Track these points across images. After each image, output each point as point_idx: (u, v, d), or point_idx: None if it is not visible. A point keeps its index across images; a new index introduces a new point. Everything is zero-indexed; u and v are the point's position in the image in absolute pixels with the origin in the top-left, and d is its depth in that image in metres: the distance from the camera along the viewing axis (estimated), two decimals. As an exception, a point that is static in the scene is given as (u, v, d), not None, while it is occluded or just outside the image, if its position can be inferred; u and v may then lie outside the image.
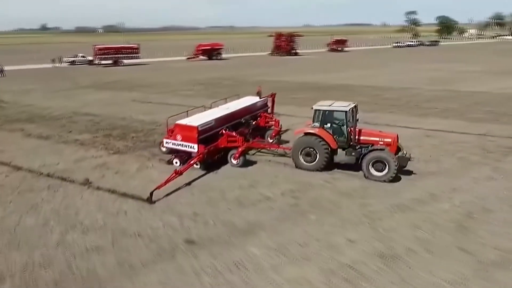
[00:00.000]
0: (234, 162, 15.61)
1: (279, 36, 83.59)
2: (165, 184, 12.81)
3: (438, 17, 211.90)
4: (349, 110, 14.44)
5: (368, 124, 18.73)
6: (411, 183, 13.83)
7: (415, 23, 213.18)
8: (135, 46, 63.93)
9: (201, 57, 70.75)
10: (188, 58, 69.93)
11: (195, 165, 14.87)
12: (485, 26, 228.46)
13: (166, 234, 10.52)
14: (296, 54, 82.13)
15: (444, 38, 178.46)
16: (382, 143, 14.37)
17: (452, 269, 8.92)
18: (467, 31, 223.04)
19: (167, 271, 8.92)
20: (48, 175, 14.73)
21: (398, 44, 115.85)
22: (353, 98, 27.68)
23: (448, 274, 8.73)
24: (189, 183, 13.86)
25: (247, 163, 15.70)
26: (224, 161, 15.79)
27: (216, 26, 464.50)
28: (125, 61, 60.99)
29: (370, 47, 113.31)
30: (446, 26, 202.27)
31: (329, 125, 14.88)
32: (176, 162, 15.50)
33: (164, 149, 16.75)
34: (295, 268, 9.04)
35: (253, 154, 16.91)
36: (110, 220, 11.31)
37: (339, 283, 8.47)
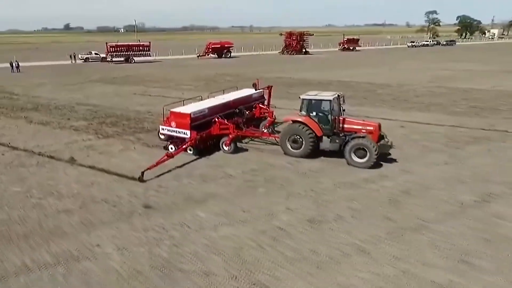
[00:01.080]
0: (226, 148, 16.49)
1: (289, 35, 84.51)
2: (156, 166, 13.88)
3: (458, 17, 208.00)
4: (333, 99, 15.13)
5: (350, 115, 19.78)
6: (362, 169, 14.82)
7: (435, 22, 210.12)
8: (146, 44, 65.99)
9: (211, 55, 72.35)
10: (198, 56, 71.69)
11: (188, 151, 15.84)
12: (508, 26, 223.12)
13: (129, 201, 11.94)
14: (306, 52, 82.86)
15: (464, 38, 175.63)
16: (364, 131, 15.08)
17: (370, 232, 10.04)
18: (489, 31, 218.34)
19: (121, 228, 10.32)
20: (39, 154, 16.39)
21: (413, 43, 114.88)
22: (345, 93, 28.88)
23: (364, 235, 9.86)
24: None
25: (238, 150, 16.63)
26: (217, 148, 16.69)
27: (237, 26, 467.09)
28: (136, 58, 63.09)
29: (385, 47, 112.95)
30: (466, 26, 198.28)
31: (315, 113, 15.56)
32: (172, 148, 16.20)
33: (162, 137, 17.70)
34: (231, 228, 10.31)
35: (247, 143, 17.82)
36: (84, 189, 12.81)
37: (265, 240, 9.70)
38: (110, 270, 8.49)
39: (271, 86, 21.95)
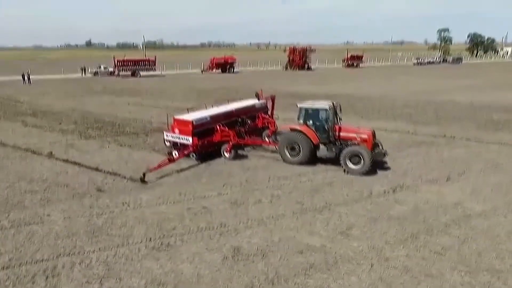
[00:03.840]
0: (227, 155, 17.19)
1: (293, 50, 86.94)
2: (158, 169, 14.84)
3: (470, 35, 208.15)
4: (329, 108, 15.82)
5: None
6: (306, 165, 16.60)
7: (447, 40, 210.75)
8: (152, 59, 69.26)
9: (216, 70, 75.12)
10: (202, 71, 74.58)
11: (191, 156, 16.91)
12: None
13: (86, 185, 14.01)
14: (309, 68, 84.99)
15: (476, 56, 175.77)
16: (358, 139, 15.62)
17: (279, 211, 11.84)
18: (502, 49, 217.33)
19: (71, 205, 12.34)
20: (24, 149, 18.70)
21: (418, 61, 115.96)
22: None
23: (272, 213, 11.67)
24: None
25: (239, 157, 17.42)
26: (218, 154, 17.44)
27: (254, 42, 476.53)
28: (142, 72, 66.26)
29: (390, 64, 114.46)
30: (477, 44, 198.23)
31: (312, 122, 16.21)
32: (175, 154, 16.76)
33: (167, 143, 18.15)
34: (164, 206, 12.24)
35: (249, 151, 18.49)
36: (52, 176, 14.97)
37: (187, 214, 11.60)
38: (52, 232, 10.49)
39: (274, 96, 22.14)
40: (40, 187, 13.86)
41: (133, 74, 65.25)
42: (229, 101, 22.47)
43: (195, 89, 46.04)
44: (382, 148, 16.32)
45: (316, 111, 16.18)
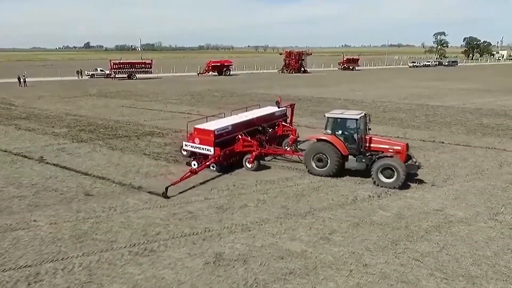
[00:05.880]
0: (249, 166, 16.50)
1: (289, 54, 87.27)
2: (180, 182, 14.06)
3: (465, 38, 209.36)
4: (360, 118, 15.11)
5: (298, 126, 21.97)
6: (288, 169, 16.76)
7: (443, 44, 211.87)
8: (148, 61, 69.46)
9: (212, 73, 75.35)
10: (198, 74, 74.79)
11: (211, 167, 16.19)
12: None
13: (75, 190, 14.11)
14: (305, 71, 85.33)
15: (472, 59, 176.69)
16: (392, 150, 14.94)
17: (263, 216, 12.00)
18: (497, 52, 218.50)
19: (59, 209, 12.46)
20: (15, 153, 18.79)
21: (414, 64, 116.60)
22: (317, 108, 31.26)
23: (257, 218, 11.82)
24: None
25: (261, 167, 16.70)
26: (240, 165, 16.80)
27: (253, 45, 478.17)
28: (138, 75, 66.37)
29: (387, 67, 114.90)
30: (473, 47, 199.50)
31: (340, 132, 15.58)
32: (194, 164, 16.27)
33: (185, 153, 17.75)
34: (150, 211, 12.38)
35: (269, 160, 17.97)
36: (42, 181, 15.07)
37: (172, 220, 11.73)
38: (37, 237, 10.61)
39: (294, 104, 21.95)
40: (29, 192, 13.96)
41: (129, 76, 65.39)
42: (247, 108, 21.73)
43: (189, 92, 46.20)
44: (415, 160, 15.52)
45: (346, 121, 15.53)
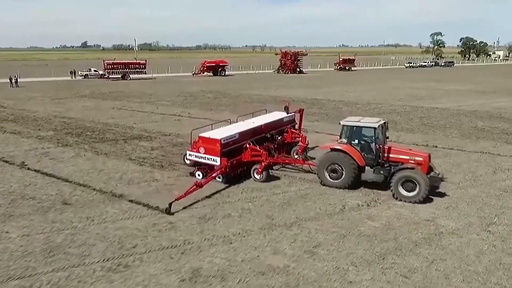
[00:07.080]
0: (257, 176, 15.42)
1: (284, 54, 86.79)
2: (185, 196, 12.98)
3: (462, 38, 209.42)
4: (378, 126, 14.00)
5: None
6: (276, 176, 16.27)
7: (439, 44, 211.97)
8: (142, 62, 68.83)
9: (207, 73, 74.77)
10: (193, 74, 74.21)
11: (217, 178, 15.05)
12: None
13: (53, 199, 13.58)
14: (301, 72, 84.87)
15: (468, 60, 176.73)
16: (413, 162, 13.86)
17: (247, 227, 11.52)
18: (494, 53, 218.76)
19: (34, 220, 11.92)
20: (-4, 159, 18.24)
21: (410, 64, 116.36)
22: (310, 110, 30.84)
23: (240, 229, 11.32)
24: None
25: (270, 178, 15.65)
26: (247, 175, 15.76)
27: (251, 45, 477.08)
28: (132, 75, 65.72)
29: (383, 67, 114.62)
30: (469, 48, 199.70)
31: (357, 141, 14.50)
32: (199, 175, 15.49)
33: (188, 162, 16.78)
34: (129, 221, 11.86)
35: (278, 169, 16.98)
36: (20, 188, 14.53)
37: (151, 231, 11.22)
38: (6, 251, 10.07)
39: (303, 110, 20.63)
40: (5, 200, 13.41)
41: (123, 77, 64.75)
42: (253, 114, 20.37)
43: (182, 93, 45.64)
44: (438, 172, 14.39)
45: (363, 129, 14.46)
